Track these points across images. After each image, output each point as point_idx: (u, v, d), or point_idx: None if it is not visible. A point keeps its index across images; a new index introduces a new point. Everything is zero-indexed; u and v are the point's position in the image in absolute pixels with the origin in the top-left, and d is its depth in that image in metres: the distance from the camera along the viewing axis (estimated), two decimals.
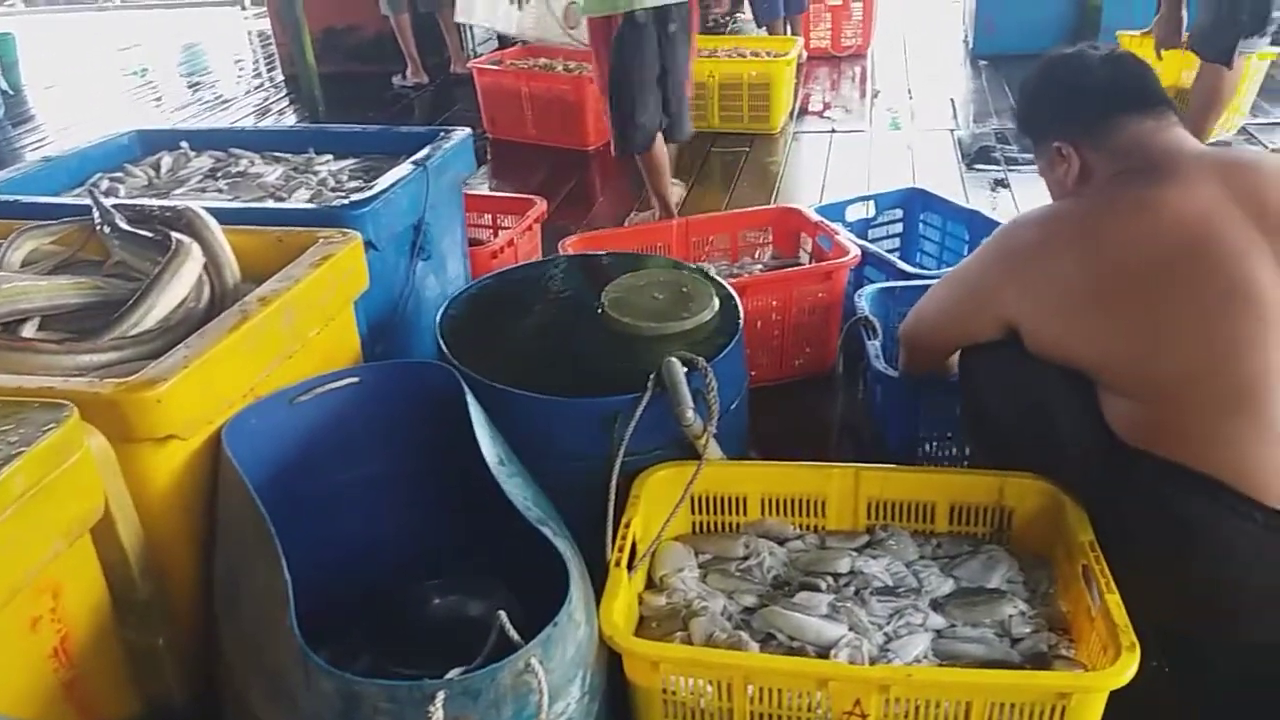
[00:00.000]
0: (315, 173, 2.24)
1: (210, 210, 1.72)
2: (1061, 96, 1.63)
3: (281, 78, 6.28)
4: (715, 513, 1.65)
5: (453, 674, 1.07)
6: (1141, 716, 1.45)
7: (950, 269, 1.74)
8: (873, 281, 2.58)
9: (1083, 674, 1.26)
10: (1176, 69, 3.74)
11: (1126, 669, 1.17)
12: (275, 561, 1.19)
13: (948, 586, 1.47)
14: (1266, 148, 3.86)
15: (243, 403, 1.45)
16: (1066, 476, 1.48)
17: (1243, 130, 4.14)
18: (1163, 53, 3.50)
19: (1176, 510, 1.34)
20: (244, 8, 8.96)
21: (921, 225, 2.93)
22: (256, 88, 6.33)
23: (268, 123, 5.53)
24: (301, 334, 1.57)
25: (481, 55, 5.56)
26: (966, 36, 5.80)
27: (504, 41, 6.14)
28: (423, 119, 5.40)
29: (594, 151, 4.56)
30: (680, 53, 3.20)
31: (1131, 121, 1.53)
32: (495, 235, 2.87)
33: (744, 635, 1.37)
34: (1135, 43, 4.39)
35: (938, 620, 1.40)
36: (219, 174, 2.28)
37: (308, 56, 4.54)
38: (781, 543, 1.60)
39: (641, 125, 3.19)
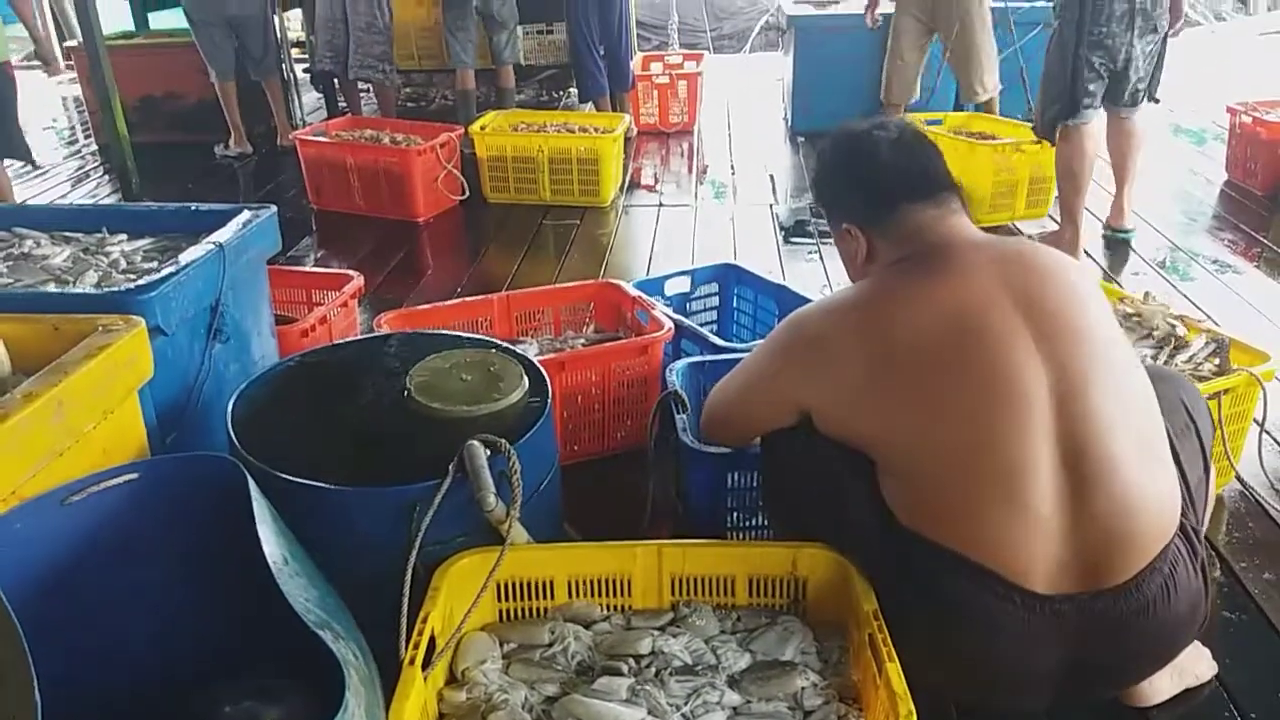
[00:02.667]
0: (107, 254, 2.14)
1: None
2: (850, 181, 1.68)
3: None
4: (522, 599, 1.63)
5: None
6: None
7: (743, 358, 1.77)
8: (689, 355, 2.65)
9: None
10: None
11: None
12: (26, 682, 1.10)
13: (744, 661, 1.49)
14: (1031, 236, 4.16)
15: (4, 506, 1.35)
16: (853, 552, 1.53)
17: None
18: None
19: (945, 589, 1.40)
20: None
21: (736, 299, 3.03)
22: (72, 154, 6.03)
23: (84, 191, 5.27)
24: (75, 429, 1.48)
25: (309, 125, 5.47)
26: (786, 113, 6.09)
27: (331, 111, 6.08)
28: (246, 189, 5.25)
29: (424, 222, 4.53)
30: None
31: (914, 210, 1.59)
32: (311, 312, 2.79)
33: None
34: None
35: (734, 697, 1.42)
36: None
37: (120, 127, 4.36)
38: (588, 625, 1.60)
39: None
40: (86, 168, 5.73)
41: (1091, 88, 3.55)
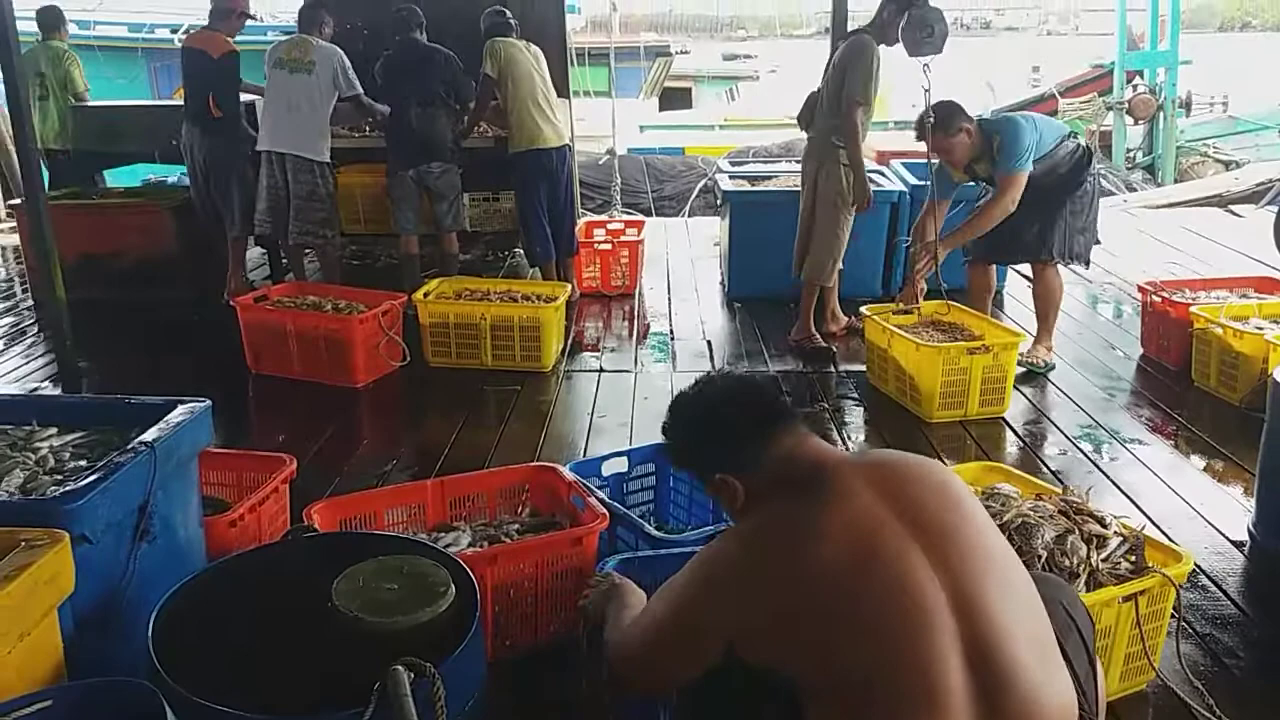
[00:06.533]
0: (36, 449, 2.12)
1: None
2: (708, 436, 1.75)
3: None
4: None
5: None
6: None
7: (645, 607, 1.77)
8: (625, 543, 2.66)
9: None
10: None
11: None
12: None
13: None
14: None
15: None
16: None
17: None
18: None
19: None
20: None
21: (672, 479, 3.07)
22: (9, 309, 5.98)
23: (18, 349, 5.19)
24: None
25: (252, 285, 5.50)
26: (723, 278, 6.28)
27: (273, 271, 6.13)
28: (183, 352, 5.20)
29: (362, 388, 4.54)
30: None
31: (772, 442, 1.67)
32: (241, 496, 2.75)
33: None
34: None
35: None
36: None
37: (57, 289, 4.32)
38: None
39: None
40: (23, 324, 5.68)
41: None
